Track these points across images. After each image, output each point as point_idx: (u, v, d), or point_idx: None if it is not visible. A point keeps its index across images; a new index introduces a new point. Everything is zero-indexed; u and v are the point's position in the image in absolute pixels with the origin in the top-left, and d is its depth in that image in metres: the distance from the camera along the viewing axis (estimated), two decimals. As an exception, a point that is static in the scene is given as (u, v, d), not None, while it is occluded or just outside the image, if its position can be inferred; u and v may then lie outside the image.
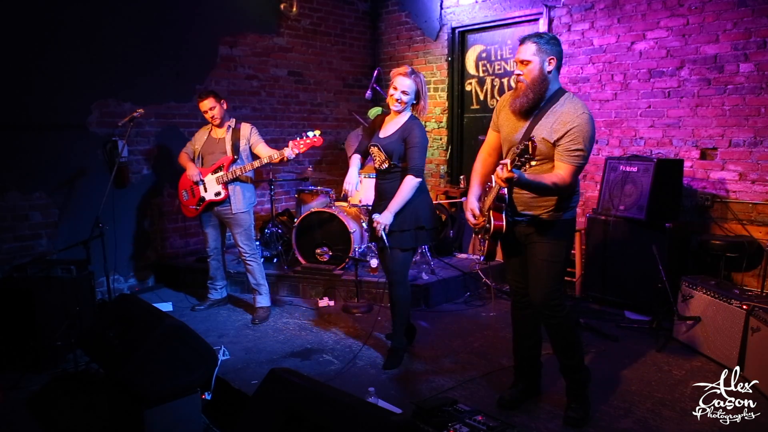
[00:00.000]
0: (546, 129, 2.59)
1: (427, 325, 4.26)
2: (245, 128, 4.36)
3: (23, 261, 4.14)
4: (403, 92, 3.31)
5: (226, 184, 4.28)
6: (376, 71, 5.02)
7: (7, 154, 4.35)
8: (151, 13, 5.07)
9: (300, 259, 5.07)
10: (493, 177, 2.57)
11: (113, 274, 4.81)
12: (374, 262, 4.82)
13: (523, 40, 2.63)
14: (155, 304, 3.26)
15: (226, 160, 4.28)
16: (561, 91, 2.65)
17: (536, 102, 2.62)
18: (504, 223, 2.67)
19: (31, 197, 4.49)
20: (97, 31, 4.75)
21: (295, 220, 5.19)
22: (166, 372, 2.66)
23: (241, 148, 4.32)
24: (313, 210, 4.99)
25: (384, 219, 3.31)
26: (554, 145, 2.58)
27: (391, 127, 3.44)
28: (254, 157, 4.38)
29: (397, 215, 3.34)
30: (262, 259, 5.35)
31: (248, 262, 4.42)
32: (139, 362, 2.61)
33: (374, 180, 3.60)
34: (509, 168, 2.35)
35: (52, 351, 3.59)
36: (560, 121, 2.56)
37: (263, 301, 4.48)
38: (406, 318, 3.57)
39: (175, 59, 5.29)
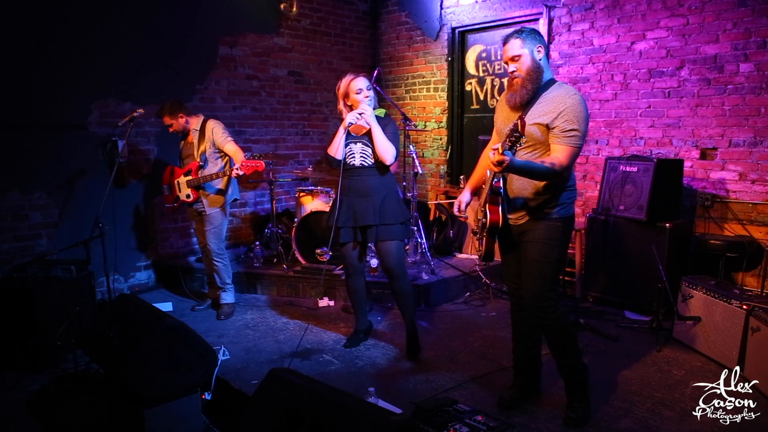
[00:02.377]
0: (538, 113, 2.61)
1: (427, 325, 4.26)
2: (208, 129, 4.36)
3: (23, 261, 4.14)
4: (368, 88, 3.52)
5: (195, 188, 4.35)
6: (376, 71, 5.01)
7: (7, 154, 4.36)
8: (152, 13, 5.07)
9: (300, 259, 5.06)
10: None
11: (113, 274, 4.81)
12: (374, 262, 4.82)
13: (506, 40, 2.68)
14: (155, 304, 3.26)
15: (193, 165, 4.35)
16: (552, 81, 2.68)
17: (535, 91, 2.64)
18: (500, 217, 2.64)
19: (31, 197, 4.49)
20: (98, 31, 4.75)
21: (295, 220, 5.19)
22: (166, 372, 2.67)
23: (207, 153, 4.34)
24: (313, 210, 4.99)
25: (369, 115, 3.44)
26: (548, 128, 2.59)
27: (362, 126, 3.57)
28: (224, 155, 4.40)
29: (392, 210, 3.51)
30: (263, 259, 5.36)
31: (215, 261, 4.45)
32: (139, 362, 2.61)
33: (346, 178, 3.59)
34: (501, 151, 2.35)
35: (52, 351, 3.59)
36: (551, 105, 2.59)
37: (228, 298, 4.56)
38: (414, 304, 3.71)
39: (175, 59, 5.29)
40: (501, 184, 2.66)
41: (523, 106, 2.67)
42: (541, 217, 2.69)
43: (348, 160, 3.55)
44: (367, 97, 3.49)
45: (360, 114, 3.43)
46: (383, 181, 3.55)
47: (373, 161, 3.54)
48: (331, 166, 3.63)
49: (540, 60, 2.63)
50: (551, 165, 2.53)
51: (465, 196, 2.98)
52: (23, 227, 4.47)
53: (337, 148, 3.52)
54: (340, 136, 3.50)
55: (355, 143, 3.55)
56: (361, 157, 3.53)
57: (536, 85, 2.62)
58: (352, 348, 3.81)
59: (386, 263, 3.58)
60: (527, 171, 2.57)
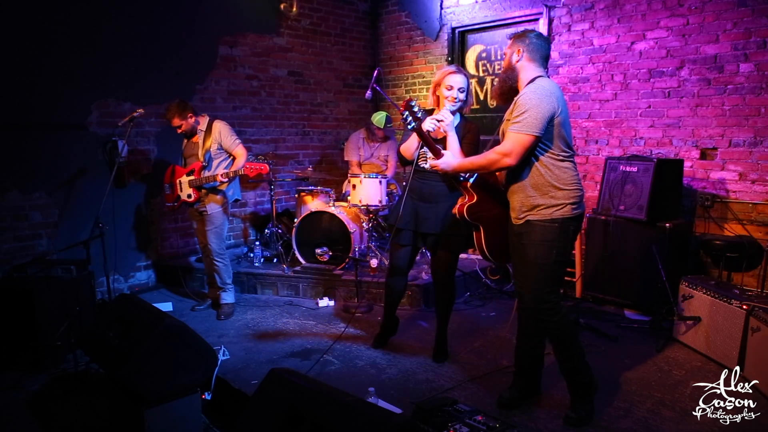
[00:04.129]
0: (509, 111, 2.73)
1: (427, 325, 4.26)
2: (215, 130, 4.37)
3: (23, 261, 4.14)
4: (460, 90, 3.24)
5: (196, 188, 4.35)
6: (376, 71, 5.00)
7: (7, 154, 4.35)
8: (151, 13, 5.07)
9: (300, 259, 5.07)
10: None
11: (113, 274, 4.81)
12: (374, 262, 4.82)
13: (510, 37, 2.84)
14: (155, 304, 3.26)
15: (197, 165, 4.35)
16: (533, 81, 2.70)
17: (504, 87, 2.80)
18: (457, 208, 2.97)
19: (31, 197, 4.49)
20: (98, 31, 4.75)
21: (295, 220, 5.19)
22: (166, 372, 2.67)
23: (212, 153, 4.34)
24: (313, 210, 4.99)
25: (449, 121, 3.10)
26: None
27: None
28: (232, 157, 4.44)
29: (456, 220, 3.18)
30: (263, 259, 5.37)
31: (215, 260, 4.45)
32: (139, 362, 2.61)
33: (415, 180, 3.43)
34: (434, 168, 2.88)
35: (52, 351, 3.59)
36: (515, 100, 2.70)
37: (228, 298, 4.57)
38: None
39: (175, 59, 5.29)
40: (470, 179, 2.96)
41: (497, 97, 2.87)
42: (537, 218, 2.69)
43: (419, 162, 3.37)
44: (454, 99, 3.21)
45: (439, 121, 3.11)
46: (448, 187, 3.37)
47: None
48: (402, 165, 3.55)
49: (516, 62, 2.73)
50: (491, 152, 2.69)
51: None
52: (23, 227, 4.47)
53: (412, 152, 3.31)
54: (415, 139, 3.23)
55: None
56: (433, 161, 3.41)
57: (505, 82, 2.78)
58: (379, 348, 3.79)
59: (439, 273, 3.51)
60: (468, 168, 2.84)
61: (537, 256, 2.69)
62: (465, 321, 4.35)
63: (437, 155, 2.90)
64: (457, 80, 3.22)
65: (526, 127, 2.57)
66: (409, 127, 2.93)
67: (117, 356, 2.75)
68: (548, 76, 2.75)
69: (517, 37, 2.75)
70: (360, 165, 5.69)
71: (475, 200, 2.93)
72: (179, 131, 4.38)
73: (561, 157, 2.67)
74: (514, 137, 2.60)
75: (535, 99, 2.57)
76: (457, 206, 2.97)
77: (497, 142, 2.83)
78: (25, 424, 3.00)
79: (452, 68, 3.28)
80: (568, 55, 5.23)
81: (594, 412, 2.85)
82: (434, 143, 2.96)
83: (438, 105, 3.32)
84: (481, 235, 2.97)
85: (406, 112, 2.90)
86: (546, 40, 2.76)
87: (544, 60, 2.74)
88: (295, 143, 6.42)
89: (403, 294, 3.83)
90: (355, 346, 3.85)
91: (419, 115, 2.93)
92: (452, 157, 2.86)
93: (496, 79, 2.95)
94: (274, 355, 3.74)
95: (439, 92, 3.29)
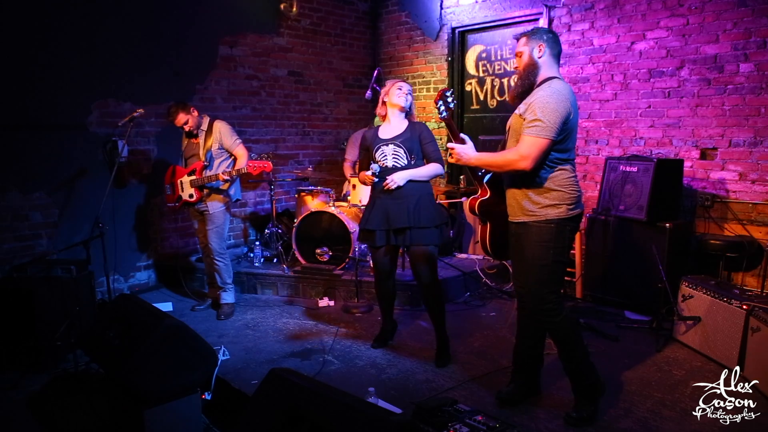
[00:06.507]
0: (522, 107, 2.69)
1: (427, 325, 4.25)
2: (216, 130, 4.37)
3: (23, 261, 4.14)
4: (409, 92, 3.54)
5: (198, 188, 4.35)
6: (376, 71, 5.02)
7: (7, 154, 4.35)
8: (151, 12, 5.07)
9: (300, 259, 5.07)
10: None
11: (113, 274, 4.81)
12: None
13: (517, 37, 2.79)
14: (155, 304, 3.25)
15: (198, 164, 4.35)
16: (549, 78, 2.68)
17: (526, 87, 2.72)
18: (470, 202, 3.00)
19: (31, 197, 4.49)
20: (97, 31, 4.75)
21: (295, 220, 5.19)
22: (166, 372, 2.66)
23: (213, 152, 4.35)
24: (313, 210, 4.99)
25: (398, 178, 3.40)
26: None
27: (395, 128, 3.53)
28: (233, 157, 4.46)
29: (427, 213, 3.43)
30: (263, 259, 5.37)
31: (216, 260, 4.45)
32: (139, 362, 2.61)
33: (380, 180, 3.53)
34: (450, 151, 2.77)
35: (52, 351, 3.59)
36: (529, 99, 2.65)
37: (228, 298, 4.56)
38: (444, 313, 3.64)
39: (175, 59, 5.29)
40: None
41: (515, 99, 2.77)
42: (532, 219, 2.69)
43: (380, 162, 3.50)
44: (406, 93, 3.49)
45: (384, 186, 3.41)
46: (417, 183, 3.46)
47: (406, 162, 3.46)
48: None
49: (539, 58, 2.68)
50: (509, 152, 2.64)
51: None
52: (23, 227, 4.47)
53: (368, 176, 3.52)
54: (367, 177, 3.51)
55: (387, 145, 3.49)
56: (393, 158, 3.47)
57: (527, 81, 2.71)
58: (379, 348, 3.79)
59: (418, 269, 3.47)
60: (483, 164, 2.78)
61: (535, 257, 2.69)
62: (465, 321, 4.35)
63: (458, 142, 2.81)
64: (406, 86, 3.54)
65: (544, 131, 2.54)
66: (441, 116, 2.89)
67: (117, 356, 2.75)
68: (561, 77, 2.73)
69: (533, 34, 2.71)
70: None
71: (488, 196, 2.95)
72: (186, 128, 4.35)
73: (561, 159, 2.66)
74: (532, 141, 2.56)
75: (552, 103, 2.55)
76: (470, 200, 3.02)
77: (485, 143, 2.84)
78: (25, 424, 3.00)
79: (401, 80, 3.63)
80: (568, 55, 5.23)
81: (597, 414, 2.84)
82: (458, 132, 2.88)
83: (386, 114, 3.57)
84: (486, 230, 2.98)
85: (440, 101, 2.83)
86: (557, 36, 2.77)
87: (558, 57, 2.74)
88: (295, 143, 6.42)
89: (394, 295, 3.82)
90: (355, 346, 3.85)
91: (451, 106, 2.89)
92: (471, 148, 2.76)
93: (515, 80, 2.80)
94: (274, 355, 3.74)
95: (387, 98, 3.53)
